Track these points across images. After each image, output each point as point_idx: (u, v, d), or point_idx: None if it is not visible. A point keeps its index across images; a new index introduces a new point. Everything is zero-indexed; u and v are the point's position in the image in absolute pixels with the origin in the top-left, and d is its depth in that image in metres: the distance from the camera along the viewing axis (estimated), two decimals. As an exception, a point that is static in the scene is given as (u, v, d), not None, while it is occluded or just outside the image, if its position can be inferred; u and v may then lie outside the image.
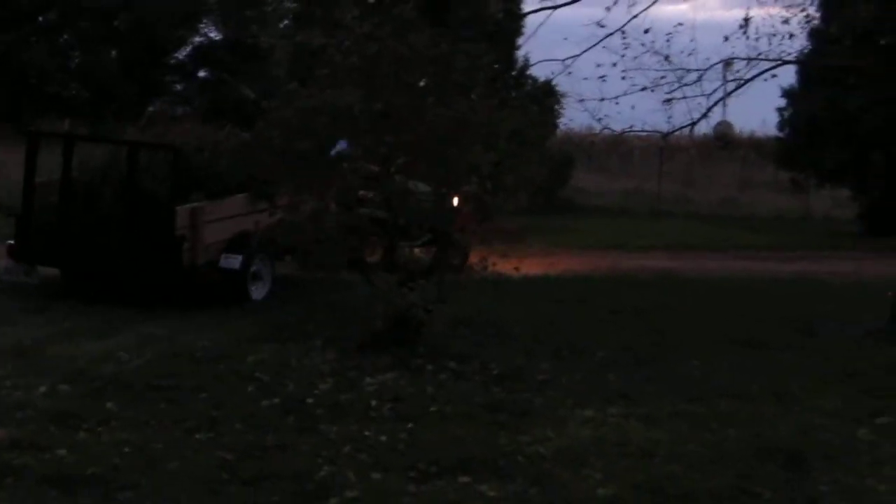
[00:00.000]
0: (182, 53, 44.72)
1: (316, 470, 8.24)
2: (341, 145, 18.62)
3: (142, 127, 18.79)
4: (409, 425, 9.54)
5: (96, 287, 15.97)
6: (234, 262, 15.72)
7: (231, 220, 16.09)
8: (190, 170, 15.47)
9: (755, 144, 46.68)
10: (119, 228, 15.32)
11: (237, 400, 10.16)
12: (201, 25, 44.91)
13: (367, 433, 9.27)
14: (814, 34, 28.89)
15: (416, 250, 21.62)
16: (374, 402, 10.21)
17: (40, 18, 42.61)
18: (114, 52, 42.75)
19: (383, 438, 9.15)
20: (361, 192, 14.85)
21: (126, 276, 15.78)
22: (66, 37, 43.03)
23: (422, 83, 12.86)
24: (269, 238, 14.65)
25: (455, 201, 22.77)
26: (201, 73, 44.89)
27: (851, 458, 9.19)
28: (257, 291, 16.10)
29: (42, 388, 10.37)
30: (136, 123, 20.19)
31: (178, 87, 44.94)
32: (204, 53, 44.62)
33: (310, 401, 10.19)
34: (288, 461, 8.44)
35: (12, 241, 15.91)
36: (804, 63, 28.88)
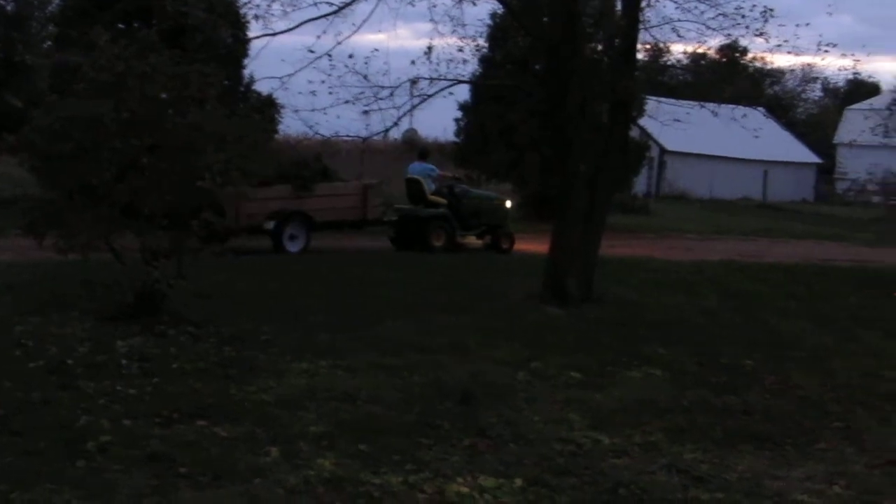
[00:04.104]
0: (-44, 68, 43.18)
1: (76, 420, 8.04)
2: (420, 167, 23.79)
3: None
4: (155, 380, 9.40)
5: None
6: (270, 225, 20.93)
7: (272, 201, 21.05)
8: None
9: (438, 148, 47.44)
10: None
11: (7, 363, 9.78)
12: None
13: (119, 387, 9.08)
14: (483, 60, 29.72)
15: (472, 238, 24.35)
16: (124, 362, 9.99)
17: None
18: None
19: (133, 391, 8.99)
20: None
21: None
22: None
23: (163, 96, 12.60)
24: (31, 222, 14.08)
25: (508, 204, 24.08)
26: (-26, 86, 43.42)
27: (512, 396, 9.53)
28: (293, 246, 21.29)
29: None
30: None
31: (-46, 97, 43.59)
32: (-24, 68, 43.15)
33: (70, 362, 9.89)
34: (52, 413, 8.20)
35: None
36: (475, 83, 29.59)
